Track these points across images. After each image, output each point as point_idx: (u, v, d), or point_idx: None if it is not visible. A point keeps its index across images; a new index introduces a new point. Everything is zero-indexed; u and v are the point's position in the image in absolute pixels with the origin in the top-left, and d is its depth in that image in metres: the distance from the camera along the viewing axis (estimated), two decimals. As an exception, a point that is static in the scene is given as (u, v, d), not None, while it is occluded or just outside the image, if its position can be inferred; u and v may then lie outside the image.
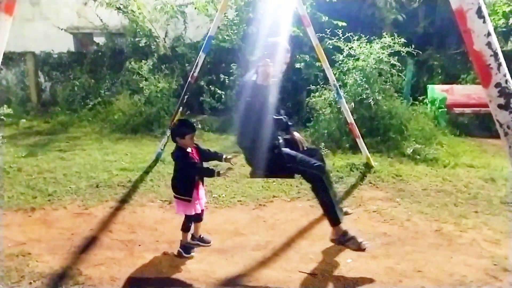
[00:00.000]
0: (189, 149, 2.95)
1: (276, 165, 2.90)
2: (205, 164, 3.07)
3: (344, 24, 7.01)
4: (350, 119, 4.88)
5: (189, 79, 4.82)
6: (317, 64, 7.08)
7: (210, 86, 8.09)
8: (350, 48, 6.21)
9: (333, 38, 6.35)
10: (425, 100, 8.00)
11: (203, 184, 3.08)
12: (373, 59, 6.05)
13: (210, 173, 2.91)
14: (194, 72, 4.75)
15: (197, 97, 8.19)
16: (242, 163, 3.93)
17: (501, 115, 1.33)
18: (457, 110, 7.83)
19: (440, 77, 9.05)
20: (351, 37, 6.27)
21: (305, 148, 3.17)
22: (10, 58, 10.02)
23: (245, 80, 2.89)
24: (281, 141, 3.10)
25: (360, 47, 6.17)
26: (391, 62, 6.10)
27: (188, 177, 2.94)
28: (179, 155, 2.93)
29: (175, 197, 2.99)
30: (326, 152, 5.68)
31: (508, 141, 1.33)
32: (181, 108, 4.96)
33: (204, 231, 3.40)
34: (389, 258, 2.95)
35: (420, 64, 8.99)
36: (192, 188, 2.94)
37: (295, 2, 4.38)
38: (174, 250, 3.05)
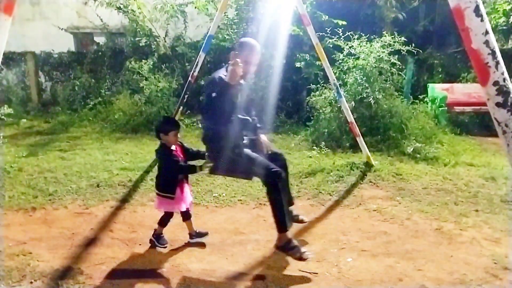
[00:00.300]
0: (173, 147, 2.98)
1: (235, 165, 2.90)
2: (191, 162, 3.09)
3: (344, 23, 7.01)
4: (350, 118, 4.88)
5: (189, 78, 4.83)
6: (317, 63, 7.09)
7: (210, 86, 8.08)
8: (350, 47, 6.22)
9: (333, 37, 6.35)
10: (425, 99, 8.00)
11: (187, 182, 3.11)
12: (373, 58, 6.05)
13: (192, 169, 2.95)
14: (194, 71, 4.76)
15: (197, 97, 8.18)
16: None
17: (499, 113, 1.33)
18: (458, 108, 7.83)
19: (440, 76, 9.05)
20: (351, 36, 6.28)
21: (269, 152, 3.15)
22: (11, 58, 10.02)
23: (214, 76, 2.88)
24: (245, 141, 3.08)
25: (360, 46, 6.17)
26: (391, 61, 6.10)
27: (171, 174, 2.97)
28: (163, 152, 2.97)
29: (157, 194, 3.03)
30: (327, 151, 5.69)
31: (506, 139, 1.33)
32: (181, 107, 4.97)
33: (204, 230, 3.41)
34: (389, 257, 2.95)
35: (420, 63, 8.99)
36: (175, 186, 2.96)
37: (295, 1, 4.38)
38: (174, 247, 3.06)
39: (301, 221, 3.38)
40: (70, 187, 4.35)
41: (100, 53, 9.85)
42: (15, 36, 10.07)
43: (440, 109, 7.55)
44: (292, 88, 8.29)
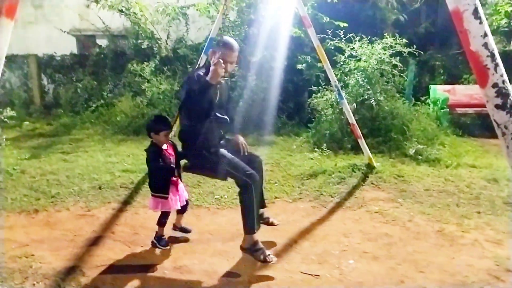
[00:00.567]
0: (164, 146, 3.00)
1: (210, 164, 2.91)
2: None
3: (345, 24, 7.02)
4: (352, 119, 4.88)
5: (191, 80, 4.83)
6: (319, 65, 7.09)
7: (212, 88, 8.09)
8: (351, 49, 6.22)
9: (334, 39, 6.36)
10: (427, 101, 7.98)
11: (181, 179, 3.13)
12: (375, 59, 6.05)
13: (171, 173, 2.98)
14: (195, 73, 4.76)
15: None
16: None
17: (498, 115, 1.34)
18: (459, 110, 7.81)
19: (442, 77, 9.04)
20: (352, 38, 6.28)
21: (246, 154, 3.14)
22: (13, 61, 10.07)
23: (194, 73, 2.87)
24: (222, 141, 3.09)
25: (362, 48, 6.17)
26: (393, 63, 6.10)
27: (161, 174, 2.99)
28: (152, 152, 2.98)
29: (151, 194, 3.05)
30: (328, 153, 5.69)
31: (506, 141, 1.33)
32: (183, 109, 4.98)
33: (206, 232, 3.42)
34: (391, 259, 2.95)
35: (422, 65, 8.98)
36: (168, 185, 2.98)
37: (296, 3, 4.39)
38: (175, 249, 3.06)
39: (272, 224, 3.39)
40: (72, 189, 4.36)
41: (102, 56, 9.88)
42: (18, 38, 10.10)
43: (442, 110, 7.54)
44: (293, 90, 8.30)
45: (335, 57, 6.37)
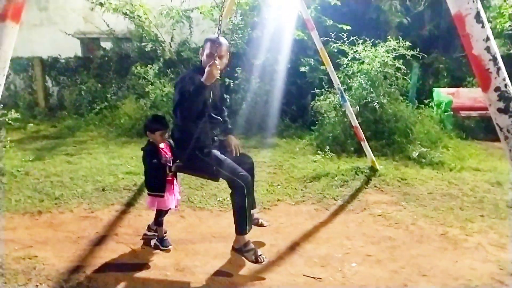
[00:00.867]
0: (161, 145, 3.01)
1: (202, 165, 2.91)
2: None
3: (348, 27, 7.02)
4: (355, 122, 4.88)
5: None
6: (322, 67, 7.10)
7: (215, 90, 8.11)
8: (355, 52, 6.23)
9: (337, 41, 6.37)
10: (430, 103, 7.96)
11: (176, 180, 3.15)
12: (378, 62, 6.06)
13: (163, 171, 2.98)
14: (199, 76, 4.77)
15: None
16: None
17: (500, 119, 1.34)
18: (463, 113, 7.78)
19: (445, 80, 9.01)
20: (355, 41, 6.29)
21: (238, 155, 3.14)
22: (18, 63, 10.15)
23: (189, 73, 2.89)
24: (215, 142, 3.09)
25: (365, 51, 6.18)
26: (396, 66, 6.09)
27: (158, 173, 3.00)
28: (149, 151, 3.00)
29: (147, 193, 3.07)
30: (331, 156, 5.69)
31: (508, 145, 1.33)
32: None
33: (209, 234, 3.42)
34: (394, 262, 2.94)
35: (425, 67, 8.97)
36: (164, 184, 3.00)
37: (299, 6, 4.40)
38: (178, 251, 3.07)
39: (261, 225, 3.40)
40: (76, 191, 4.38)
41: (106, 58, 9.95)
42: (23, 41, 10.17)
43: (446, 113, 7.52)
44: (296, 92, 8.31)
45: (338, 60, 6.38)
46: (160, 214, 3.14)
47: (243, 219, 2.89)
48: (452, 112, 7.61)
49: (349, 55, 6.28)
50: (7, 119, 5.38)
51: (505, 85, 1.30)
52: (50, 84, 10.53)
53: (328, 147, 5.87)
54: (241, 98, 7.80)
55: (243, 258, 2.90)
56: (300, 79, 8.12)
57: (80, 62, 10.29)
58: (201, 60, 2.94)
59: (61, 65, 10.34)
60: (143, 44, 9.07)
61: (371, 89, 6.05)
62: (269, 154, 6.04)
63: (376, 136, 6.06)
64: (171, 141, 3.14)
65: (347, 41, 6.29)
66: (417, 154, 5.58)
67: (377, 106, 5.97)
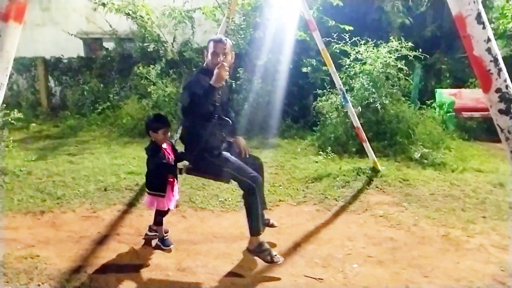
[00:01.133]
0: (164, 145, 3.01)
1: (212, 166, 2.92)
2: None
3: (351, 28, 7.02)
4: (357, 123, 4.87)
5: (196, 83, 4.86)
6: (324, 68, 7.10)
7: (217, 90, 8.12)
8: (357, 52, 6.22)
9: (339, 42, 6.37)
10: (433, 104, 7.95)
11: (177, 180, 3.16)
12: (380, 63, 6.05)
13: (172, 171, 2.99)
14: (201, 76, 4.78)
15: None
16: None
17: (501, 120, 1.34)
18: (465, 114, 7.77)
19: (448, 81, 9.00)
20: (358, 41, 6.28)
21: (247, 156, 3.15)
22: (21, 63, 10.19)
23: (193, 79, 2.89)
24: (224, 144, 3.09)
25: (367, 51, 6.17)
26: (398, 66, 6.09)
27: (159, 173, 3.01)
28: (152, 150, 3.00)
29: (147, 192, 3.08)
30: (333, 156, 5.69)
31: (509, 146, 1.33)
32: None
33: (210, 234, 3.43)
34: (396, 263, 2.94)
35: (428, 68, 8.96)
36: (165, 184, 3.01)
37: (301, 6, 4.40)
38: (179, 251, 3.07)
39: (272, 226, 3.39)
40: (78, 190, 4.39)
41: (109, 58, 9.97)
42: (26, 41, 10.23)
43: (448, 114, 7.50)
44: (298, 93, 8.31)
45: (340, 61, 6.37)
46: (160, 213, 3.15)
47: (256, 220, 2.88)
48: (454, 113, 7.59)
49: (351, 55, 6.28)
50: (9, 119, 5.40)
51: (506, 86, 1.30)
52: (53, 84, 10.58)
53: (329, 148, 5.86)
54: (243, 98, 7.80)
55: (259, 259, 2.88)
56: (302, 79, 8.12)
57: (82, 62, 10.33)
58: (205, 62, 2.95)
59: (64, 65, 10.38)
60: (145, 44, 9.09)
61: (373, 90, 6.05)
62: (270, 154, 6.04)
63: (378, 137, 6.05)
64: (173, 141, 3.15)
65: (349, 42, 6.28)
66: (419, 155, 5.57)
67: (379, 107, 5.97)
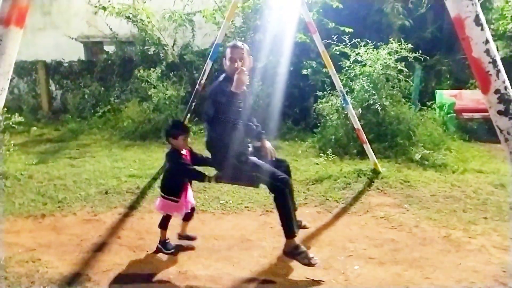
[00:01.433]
0: (183, 151, 3.01)
1: (241, 172, 2.93)
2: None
3: (350, 30, 7.04)
4: (357, 124, 4.88)
5: (197, 86, 4.88)
6: (324, 70, 7.11)
7: (218, 93, 8.14)
8: (357, 54, 6.24)
9: (339, 44, 6.38)
10: (433, 106, 7.95)
11: (191, 186, 3.16)
12: (380, 64, 6.06)
13: (200, 176, 2.97)
14: (201, 79, 4.80)
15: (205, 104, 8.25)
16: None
17: (501, 121, 1.34)
18: (466, 115, 7.76)
19: (448, 82, 9.01)
20: (357, 43, 6.29)
21: (273, 159, 3.16)
22: (22, 67, 10.22)
23: (215, 87, 2.92)
24: (250, 149, 3.10)
25: (367, 53, 6.19)
26: (398, 68, 6.10)
27: (178, 178, 3.01)
28: (173, 155, 3.00)
29: (162, 196, 3.06)
30: (334, 158, 5.69)
31: (509, 147, 1.34)
32: (189, 115, 5.01)
33: (211, 237, 3.43)
34: (397, 265, 2.93)
35: (428, 69, 8.96)
36: (181, 189, 3.01)
37: (301, 9, 4.41)
38: (181, 254, 3.07)
39: (304, 227, 3.39)
40: (79, 194, 4.40)
41: (109, 62, 10.00)
42: (27, 45, 10.26)
43: (449, 115, 7.50)
44: (299, 95, 8.32)
45: (341, 63, 6.39)
46: (168, 218, 3.13)
47: (290, 222, 2.88)
48: (454, 114, 7.59)
49: (351, 57, 6.29)
50: (10, 123, 5.41)
51: (505, 88, 1.31)
52: (54, 88, 10.61)
53: (330, 150, 5.86)
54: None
55: (295, 261, 2.87)
56: (302, 81, 8.13)
57: (83, 65, 10.37)
58: (224, 69, 3.00)
59: (65, 68, 10.42)
60: (146, 47, 9.13)
61: (373, 92, 6.06)
62: (271, 156, 6.03)
63: (379, 138, 6.06)
64: (191, 147, 3.15)
65: (349, 44, 6.30)
66: (419, 156, 5.56)
67: (379, 109, 5.97)
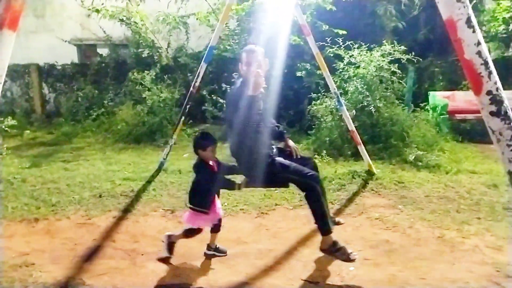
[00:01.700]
0: (210, 162, 2.97)
1: (270, 174, 2.91)
2: None
3: (344, 32, 7.07)
4: (352, 126, 4.90)
5: (191, 88, 4.87)
6: (318, 72, 7.12)
7: (212, 96, 8.15)
8: (350, 56, 6.27)
9: (333, 46, 6.41)
10: (426, 107, 8.00)
11: (218, 196, 3.10)
12: (374, 66, 6.10)
13: (231, 185, 2.94)
14: (196, 82, 4.80)
15: (199, 107, 8.25)
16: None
17: (493, 122, 1.36)
18: (459, 116, 7.83)
19: (441, 83, 9.07)
20: (351, 45, 6.33)
21: (299, 157, 3.16)
22: (15, 70, 10.15)
23: (234, 92, 2.93)
24: (274, 150, 3.11)
25: (361, 55, 6.22)
26: (392, 70, 6.13)
27: (208, 189, 2.93)
28: (201, 166, 2.94)
29: (191, 208, 2.94)
30: (328, 160, 5.70)
31: (501, 147, 1.35)
32: (183, 117, 5.01)
33: (207, 239, 3.41)
34: (392, 266, 2.94)
35: (421, 71, 9.02)
36: (211, 201, 2.94)
37: (295, 11, 4.43)
38: (176, 256, 3.07)
39: (338, 223, 3.40)
40: (73, 197, 4.37)
41: (103, 65, 9.97)
42: (19, 48, 10.20)
43: (442, 116, 7.55)
44: (293, 97, 8.33)
45: (335, 65, 6.41)
46: (197, 231, 3.01)
47: (325, 218, 2.86)
48: (448, 115, 7.65)
49: (345, 59, 6.32)
50: (3, 126, 5.38)
51: (497, 89, 1.32)
52: (47, 91, 10.55)
53: (325, 151, 5.88)
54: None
55: (334, 258, 2.86)
56: (297, 83, 8.15)
57: (77, 68, 10.33)
58: (240, 73, 3.01)
59: (58, 71, 10.37)
60: (140, 50, 9.11)
61: (367, 93, 6.09)
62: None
63: (373, 140, 6.08)
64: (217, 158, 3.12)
65: (343, 46, 6.33)
66: (413, 157, 5.60)
67: (373, 110, 6.01)
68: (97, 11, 8.39)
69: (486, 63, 1.30)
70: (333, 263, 2.99)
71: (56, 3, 11.62)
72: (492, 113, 1.35)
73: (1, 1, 1.32)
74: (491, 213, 3.87)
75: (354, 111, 6.03)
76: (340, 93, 5.53)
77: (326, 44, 6.44)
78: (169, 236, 3.06)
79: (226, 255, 3.13)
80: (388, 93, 6.36)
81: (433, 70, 9.25)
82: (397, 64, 6.17)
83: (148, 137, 7.43)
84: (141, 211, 4.05)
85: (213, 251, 3.11)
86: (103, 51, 10.52)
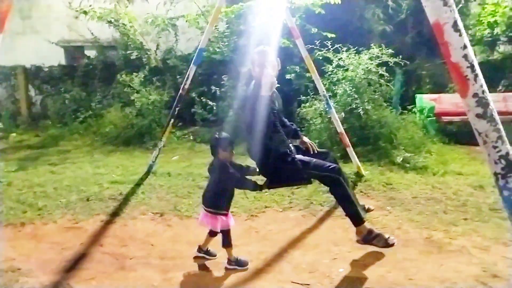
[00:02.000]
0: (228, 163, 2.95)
1: (291, 173, 2.92)
2: None
3: (333, 35, 7.11)
4: (340, 128, 4.93)
5: (180, 91, 4.85)
6: (307, 75, 7.17)
7: (202, 98, 8.14)
8: (339, 59, 6.31)
9: (322, 49, 6.45)
10: (414, 109, 8.08)
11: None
12: (362, 69, 6.15)
13: (252, 185, 2.93)
14: (185, 84, 4.78)
15: (189, 109, 8.22)
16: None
17: (479, 124, 1.38)
18: (446, 118, 7.92)
19: (428, 86, 9.18)
20: (340, 48, 6.38)
21: (316, 152, 3.18)
22: (0, 72, 10.00)
23: (249, 95, 2.95)
24: (292, 148, 3.12)
25: (349, 58, 6.27)
26: (380, 72, 6.19)
27: (228, 190, 2.92)
28: (224, 167, 2.89)
29: (210, 211, 2.89)
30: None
31: (487, 149, 1.37)
32: (172, 120, 4.99)
33: (196, 243, 3.39)
34: (381, 267, 2.96)
35: (408, 74, 9.12)
36: (230, 202, 2.94)
37: (284, 14, 4.45)
38: (165, 260, 3.04)
39: (369, 210, 3.40)
40: (60, 201, 4.31)
41: (91, 67, 9.88)
42: (6, 50, 10.05)
43: (429, 119, 7.64)
44: (282, 100, 8.30)
45: (323, 67, 6.45)
46: (228, 233, 2.95)
47: (354, 208, 2.85)
48: (434, 118, 7.74)
49: (333, 62, 6.36)
50: (-12, 129, 5.29)
51: (483, 91, 1.35)
52: (33, 93, 10.42)
53: (314, 154, 5.89)
54: (227, 105, 7.81)
55: (373, 246, 2.84)
56: (286, 86, 8.16)
57: (64, 70, 10.22)
58: (252, 74, 3.04)
59: (45, 73, 10.24)
60: (128, 52, 9.06)
61: (356, 96, 6.13)
62: (256, 161, 6.04)
63: (362, 142, 6.13)
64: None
65: (332, 49, 6.37)
66: (401, 159, 5.64)
67: (362, 113, 6.05)
68: (85, 12, 8.32)
69: (472, 66, 1.32)
70: (322, 265, 3.00)
71: (43, 4, 11.47)
72: (478, 115, 1.37)
73: (-13, 2, 1.30)
74: (478, 214, 3.92)
75: (342, 113, 6.07)
76: (329, 95, 5.56)
77: (315, 47, 6.48)
78: (200, 249, 3.03)
79: (216, 258, 3.10)
80: (376, 96, 6.42)
81: (420, 73, 9.36)
82: (385, 67, 6.23)
83: (137, 140, 7.37)
84: (129, 214, 4.02)
85: (203, 254, 3.07)
86: (91, 53, 10.43)
